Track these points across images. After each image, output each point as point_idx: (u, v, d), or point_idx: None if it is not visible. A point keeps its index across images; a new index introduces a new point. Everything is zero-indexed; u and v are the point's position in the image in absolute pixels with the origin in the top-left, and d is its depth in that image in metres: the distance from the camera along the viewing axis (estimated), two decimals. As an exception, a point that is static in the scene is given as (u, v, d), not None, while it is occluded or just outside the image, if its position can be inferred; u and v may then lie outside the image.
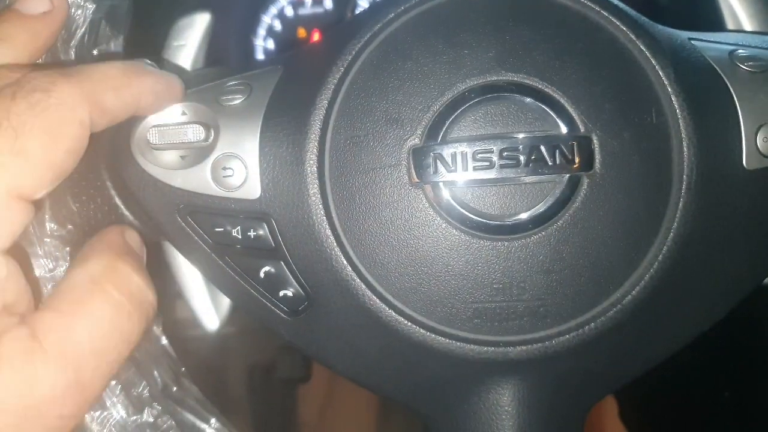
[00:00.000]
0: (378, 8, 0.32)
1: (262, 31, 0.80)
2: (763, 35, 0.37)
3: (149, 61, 0.39)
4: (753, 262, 0.34)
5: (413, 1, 0.31)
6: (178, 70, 0.37)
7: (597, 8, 0.31)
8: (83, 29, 0.34)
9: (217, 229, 0.33)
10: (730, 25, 0.41)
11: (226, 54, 0.68)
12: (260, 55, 0.80)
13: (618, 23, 0.31)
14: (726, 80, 0.32)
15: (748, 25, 0.41)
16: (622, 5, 0.32)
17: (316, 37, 0.79)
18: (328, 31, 0.37)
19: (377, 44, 0.31)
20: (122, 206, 0.35)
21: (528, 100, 0.30)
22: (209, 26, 0.42)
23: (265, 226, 0.33)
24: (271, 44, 0.80)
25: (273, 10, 0.79)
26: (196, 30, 0.42)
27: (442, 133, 0.31)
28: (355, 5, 0.78)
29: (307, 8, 0.79)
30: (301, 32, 0.80)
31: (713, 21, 0.41)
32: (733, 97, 0.32)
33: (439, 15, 0.31)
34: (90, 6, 0.33)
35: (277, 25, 0.80)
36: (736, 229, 0.32)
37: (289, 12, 0.79)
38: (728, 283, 0.34)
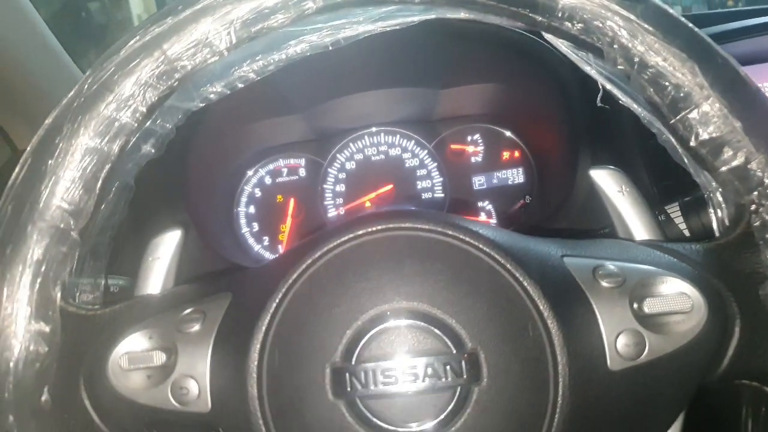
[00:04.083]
0: (301, 251, 0.40)
1: (244, 200, 0.89)
2: (628, 245, 0.44)
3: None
4: None
5: (329, 246, 0.39)
6: (145, 298, 0.45)
7: (475, 243, 0.38)
8: (69, 268, 0.42)
9: None
10: (618, 226, 0.48)
11: (206, 237, 0.77)
12: (242, 220, 0.89)
13: (493, 254, 0.38)
14: (588, 296, 0.38)
15: (633, 223, 0.48)
16: (498, 238, 0.39)
17: (291, 203, 0.88)
18: (266, 265, 0.44)
19: (302, 282, 0.38)
20: (98, 421, 0.41)
21: (422, 323, 0.37)
22: (181, 240, 0.50)
23: None
24: (252, 210, 0.89)
25: (253, 180, 0.89)
26: (168, 245, 0.49)
27: (355, 354, 0.37)
28: (326, 175, 0.88)
29: (284, 177, 0.89)
30: (279, 198, 0.89)
31: (607, 224, 0.49)
32: (594, 311, 0.38)
33: (350, 255, 0.39)
34: (75, 253, 0.41)
35: (258, 193, 0.89)
36: (609, 420, 0.38)
37: (268, 181, 0.89)
38: None
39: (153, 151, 0.45)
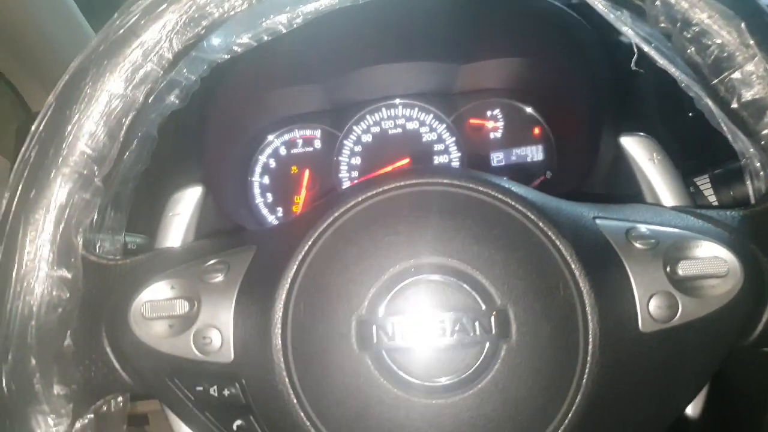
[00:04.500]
0: (330, 204, 0.39)
1: (258, 170, 0.88)
2: (661, 209, 0.43)
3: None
4: (656, 411, 0.38)
5: (358, 199, 0.38)
6: (168, 250, 0.44)
7: (507, 200, 0.38)
8: (91, 217, 0.41)
9: (197, 388, 0.39)
10: (648, 195, 0.47)
11: (220, 205, 0.76)
12: (256, 190, 0.88)
13: (526, 212, 0.37)
14: (621, 257, 0.38)
15: (663, 193, 0.47)
16: (530, 196, 0.38)
17: (306, 175, 0.88)
18: (293, 219, 0.44)
19: (330, 234, 0.38)
20: (119, 368, 0.40)
21: (452, 279, 0.37)
22: (201, 197, 0.49)
23: (238, 386, 0.38)
24: (266, 180, 0.88)
25: (268, 150, 0.88)
26: (188, 201, 0.48)
27: (383, 307, 0.37)
28: (341, 147, 0.87)
29: (299, 148, 0.88)
30: (294, 169, 0.88)
31: (635, 192, 0.48)
32: (627, 272, 0.37)
33: (379, 209, 0.38)
34: (97, 200, 0.41)
35: (272, 164, 0.88)
36: (638, 382, 0.37)
37: (283, 152, 0.88)
38: (636, 429, 0.38)
39: (177, 102, 0.45)
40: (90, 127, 0.39)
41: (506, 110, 0.85)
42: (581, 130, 0.75)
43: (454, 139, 0.85)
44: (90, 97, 0.39)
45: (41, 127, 0.39)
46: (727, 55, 0.38)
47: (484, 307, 0.36)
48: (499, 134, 0.85)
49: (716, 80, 0.39)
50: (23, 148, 0.40)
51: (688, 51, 0.39)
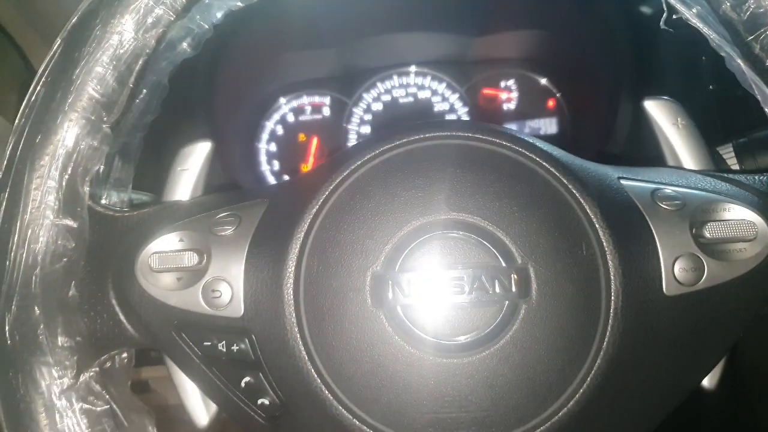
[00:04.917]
0: (347, 156, 0.38)
1: (265, 136, 0.87)
2: (687, 172, 0.42)
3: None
4: (678, 377, 0.37)
5: (376, 151, 0.37)
6: (177, 203, 0.43)
7: (532, 155, 0.36)
8: (98, 166, 0.40)
9: (205, 343, 0.38)
10: (670, 161, 0.46)
11: (227, 170, 0.75)
12: (263, 157, 0.86)
13: (551, 168, 0.36)
14: (647, 217, 0.36)
15: (686, 158, 0.45)
16: (555, 153, 0.37)
17: (314, 143, 0.86)
18: (307, 172, 0.42)
19: (346, 187, 0.36)
20: (125, 321, 0.39)
21: (472, 235, 0.35)
22: (210, 152, 0.47)
23: (247, 341, 0.37)
24: (273, 147, 0.87)
25: (275, 116, 0.86)
26: (197, 156, 0.47)
27: (399, 263, 0.35)
28: (350, 114, 0.85)
29: (307, 115, 0.87)
30: (301, 137, 0.87)
31: (656, 156, 0.47)
32: (652, 232, 0.36)
33: (397, 163, 0.37)
34: (105, 148, 0.39)
35: (279, 131, 0.87)
36: (660, 347, 0.36)
37: (291, 118, 0.87)
38: (656, 395, 0.37)
39: (189, 50, 0.43)
40: (99, 71, 0.38)
41: (521, 81, 0.83)
42: (599, 100, 0.74)
43: (466, 109, 0.84)
44: (99, 39, 0.38)
45: (48, 69, 0.38)
46: (764, 10, 0.36)
47: (504, 264, 0.35)
48: (512, 105, 0.84)
49: (751, 37, 0.38)
50: (29, 91, 0.38)
51: (723, 6, 0.38)
